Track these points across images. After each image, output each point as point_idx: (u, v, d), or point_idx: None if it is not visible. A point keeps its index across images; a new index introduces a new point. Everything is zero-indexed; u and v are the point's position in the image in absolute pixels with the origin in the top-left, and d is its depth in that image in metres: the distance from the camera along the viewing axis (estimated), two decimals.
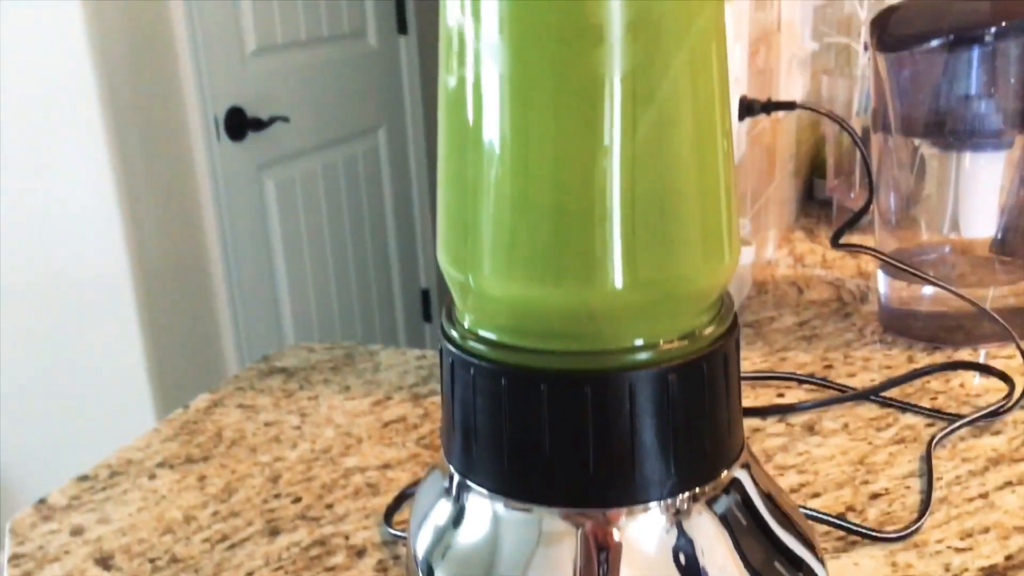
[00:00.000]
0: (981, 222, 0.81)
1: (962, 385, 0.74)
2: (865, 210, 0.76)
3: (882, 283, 0.85)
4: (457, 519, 0.33)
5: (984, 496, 0.60)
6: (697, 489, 0.31)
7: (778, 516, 0.33)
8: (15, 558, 0.59)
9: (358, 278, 2.25)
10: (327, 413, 0.76)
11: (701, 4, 0.27)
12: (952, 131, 0.76)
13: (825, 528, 0.56)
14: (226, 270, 1.86)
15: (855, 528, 0.55)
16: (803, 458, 0.65)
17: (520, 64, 0.27)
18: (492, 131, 0.28)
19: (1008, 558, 0.53)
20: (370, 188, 2.28)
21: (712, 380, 0.31)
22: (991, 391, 0.73)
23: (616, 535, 0.30)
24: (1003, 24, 0.72)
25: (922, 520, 0.56)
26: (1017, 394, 0.70)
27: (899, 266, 0.78)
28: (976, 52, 0.73)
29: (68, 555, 0.59)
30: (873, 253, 0.80)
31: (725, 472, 0.33)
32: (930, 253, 0.87)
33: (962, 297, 0.75)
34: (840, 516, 0.57)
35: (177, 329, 1.78)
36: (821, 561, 0.33)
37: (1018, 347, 0.73)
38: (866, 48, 1.06)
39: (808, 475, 0.63)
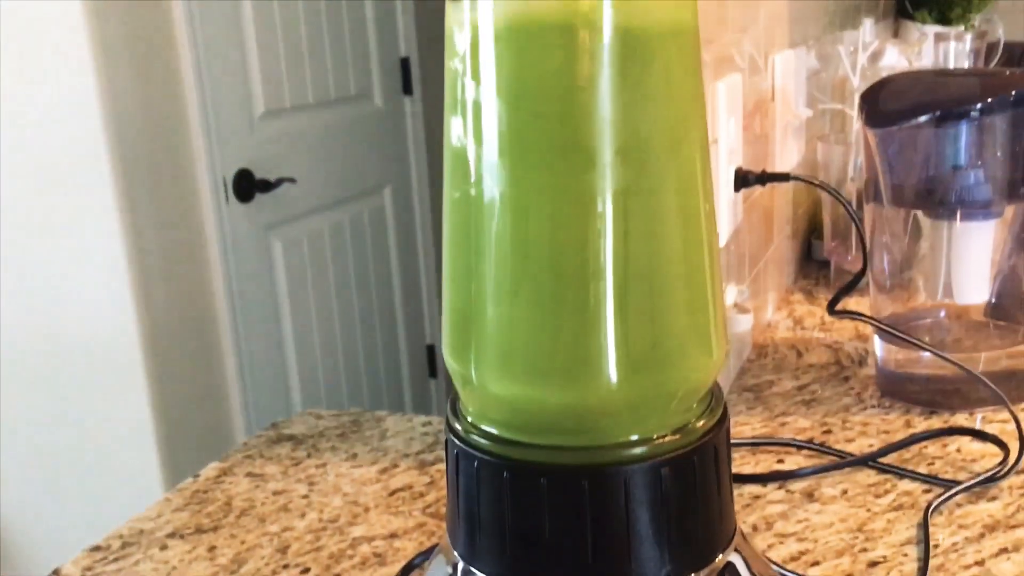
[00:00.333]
0: (974, 289, 0.83)
1: (959, 450, 0.76)
2: (859, 278, 0.78)
3: (878, 347, 0.87)
4: None
5: (980, 563, 0.61)
6: (692, 574, 0.33)
7: None
8: None
9: (364, 334, 2.27)
10: (335, 481, 0.77)
11: (687, 127, 0.29)
12: (942, 201, 0.79)
13: None
14: (233, 330, 1.89)
15: None
16: (803, 525, 0.67)
17: (518, 182, 0.29)
18: (492, 239, 0.31)
19: None
20: (376, 246, 2.31)
21: (703, 471, 0.32)
22: (987, 456, 0.74)
23: None
24: (989, 100, 0.74)
25: None
26: (1012, 460, 0.72)
27: (893, 333, 0.80)
28: (964, 127, 0.76)
29: None
30: (868, 320, 0.82)
31: (719, 556, 0.34)
32: (925, 317, 0.89)
33: (954, 363, 0.76)
34: None
35: (185, 388, 1.79)
36: None
37: (1011, 413, 0.74)
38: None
39: (808, 543, 0.64)
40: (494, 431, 0.33)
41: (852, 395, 0.87)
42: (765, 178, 0.84)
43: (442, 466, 0.79)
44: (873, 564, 0.61)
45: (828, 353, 0.98)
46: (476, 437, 0.33)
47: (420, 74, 2.39)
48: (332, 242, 2.15)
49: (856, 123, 1.12)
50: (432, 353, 2.56)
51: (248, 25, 1.87)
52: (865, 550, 0.63)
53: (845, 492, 0.70)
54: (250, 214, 1.91)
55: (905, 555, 0.62)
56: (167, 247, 1.74)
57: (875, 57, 1.26)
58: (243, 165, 1.88)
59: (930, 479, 0.71)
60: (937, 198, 0.79)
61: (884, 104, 0.78)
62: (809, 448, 0.77)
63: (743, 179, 0.83)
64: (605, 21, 0.26)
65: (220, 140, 1.81)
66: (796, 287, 1.21)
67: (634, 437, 0.31)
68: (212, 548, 0.69)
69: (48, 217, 1.69)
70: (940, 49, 1.50)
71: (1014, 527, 0.65)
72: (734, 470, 0.74)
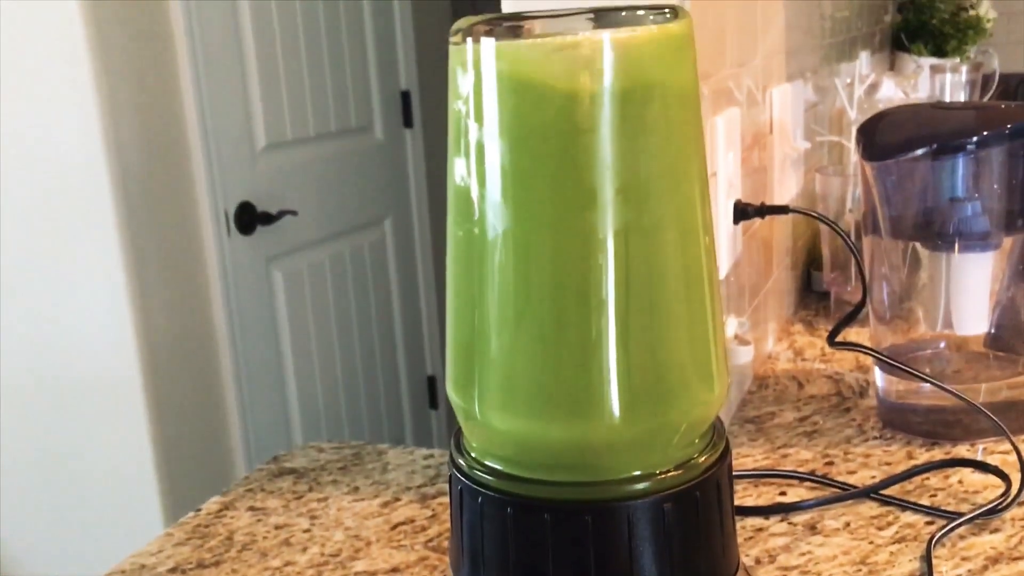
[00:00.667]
0: (974, 319, 0.83)
1: (960, 482, 0.76)
2: (859, 309, 0.79)
3: (879, 378, 0.87)
4: None
5: None
6: None
7: None
8: None
9: (364, 365, 2.27)
10: (336, 515, 0.77)
11: (686, 165, 0.30)
12: (940, 233, 0.79)
13: None
14: (234, 362, 1.89)
15: None
16: (806, 558, 0.67)
17: (520, 221, 0.29)
18: (495, 277, 0.31)
19: None
20: (376, 277, 2.32)
21: (706, 506, 0.33)
22: (989, 487, 0.74)
23: None
24: (985, 133, 0.75)
25: None
26: (1014, 491, 0.72)
27: (894, 364, 0.80)
28: (961, 159, 0.76)
29: None
30: (868, 352, 0.82)
31: None
32: (925, 348, 0.89)
33: (955, 394, 0.76)
34: None
35: (186, 421, 1.79)
36: None
37: (1012, 444, 0.74)
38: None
39: (811, 575, 0.64)
40: (498, 467, 0.33)
41: (854, 426, 0.87)
42: (764, 210, 0.84)
43: (444, 499, 0.79)
44: None
45: (829, 384, 0.98)
46: (480, 473, 0.33)
47: (421, 107, 2.41)
48: (333, 274, 2.16)
49: (854, 155, 1.13)
50: (433, 384, 2.56)
51: (250, 59, 1.88)
52: None
53: (848, 524, 0.70)
54: (251, 246, 1.92)
55: None
56: (169, 279, 1.74)
57: (872, 89, 1.27)
58: (245, 198, 1.89)
59: (932, 511, 0.71)
60: (935, 230, 0.80)
61: (881, 137, 0.79)
62: (811, 480, 0.77)
63: (742, 212, 0.84)
64: (605, 66, 0.27)
65: (222, 173, 1.82)
66: (796, 318, 1.21)
67: (637, 472, 0.32)
68: None
69: (50, 248, 1.69)
70: (936, 81, 1.51)
71: (1017, 559, 0.65)
72: (736, 502, 0.74)
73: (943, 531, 0.67)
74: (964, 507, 0.71)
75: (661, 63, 0.28)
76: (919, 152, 0.76)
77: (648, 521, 0.31)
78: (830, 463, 0.80)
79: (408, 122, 2.40)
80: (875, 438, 0.85)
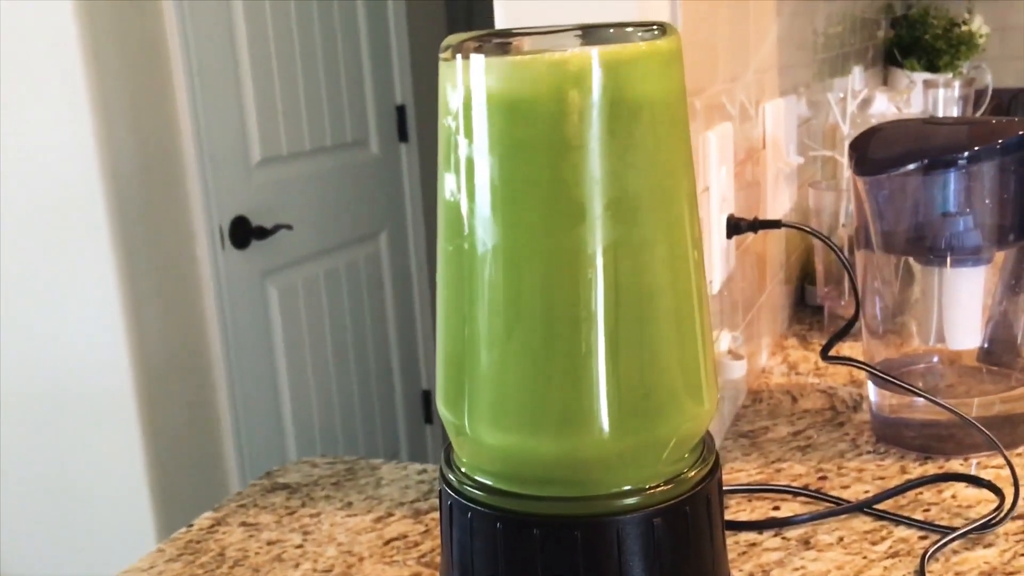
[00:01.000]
0: (966, 334, 0.83)
1: (954, 496, 0.76)
2: (852, 323, 0.79)
3: (872, 392, 0.87)
4: None
5: None
6: None
7: None
8: None
9: (359, 380, 2.27)
10: (329, 531, 0.77)
11: (675, 180, 0.30)
12: (932, 248, 0.79)
13: None
14: (229, 376, 1.88)
15: None
16: (799, 573, 0.66)
17: (510, 236, 0.30)
18: (485, 292, 0.31)
19: None
20: (372, 292, 2.32)
21: (696, 521, 0.33)
22: (983, 502, 0.74)
23: None
24: (977, 148, 0.76)
25: None
26: (1007, 506, 0.72)
27: (887, 378, 0.80)
28: (952, 174, 0.77)
29: None
30: (862, 366, 0.82)
31: None
32: (918, 362, 0.89)
33: (948, 409, 0.77)
34: None
35: (179, 435, 1.79)
36: None
37: (1005, 458, 0.74)
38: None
39: None
40: (488, 482, 0.33)
41: (847, 441, 0.87)
42: (757, 225, 0.85)
43: (437, 515, 0.79)
44: None
45: (823, 398, 0.98)
46: (470, 488, 0.33)
47: (416, 122, 2.42)
48: (328, 288, 2.16)
49: (847, 170, 1.13)
50: (428, 399, 2.55)
51: (245, 73, 1.89)
52: None
53: (841, 539, 0.70)
54: (246, 260, 1.92)
55: None
56: (163, 293, 1.74)
57: (864, 104, 1.28)
58: (240, 212, 1.89)
59: (926, 525, 0.71)
60: (927, 244, 0.80)
61: (874, 152, 0.79)
62: (805, 495, 0.77)
63: (735, 226, 0.84)
64: (594, 82, 0.27)
65: (217, 187, 1.82)
66: (790, 332, 1.21)
67: (626, 487, 0.32)
68: None
69: (44, 262, 1.69)
70: (929, 96, 1.52)
71: (1011, 574, 0.65)
72: (730, 517, 0.74)
73: (937, 546, 0.67)
74: (958, 522, 0.71)
75: (649, 79, 0.28)
76: (911, 167, 0.77)
77: (638, 536, 0.31)
78: (824, 478, 0.80)
79: (403, 136, 2.41)
80: (869, 452, 0.85)
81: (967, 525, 0.70)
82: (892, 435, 0.85)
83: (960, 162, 0.76)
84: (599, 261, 0.29)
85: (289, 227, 1.99)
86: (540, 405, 0.31)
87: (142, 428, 1.69)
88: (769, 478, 0.81)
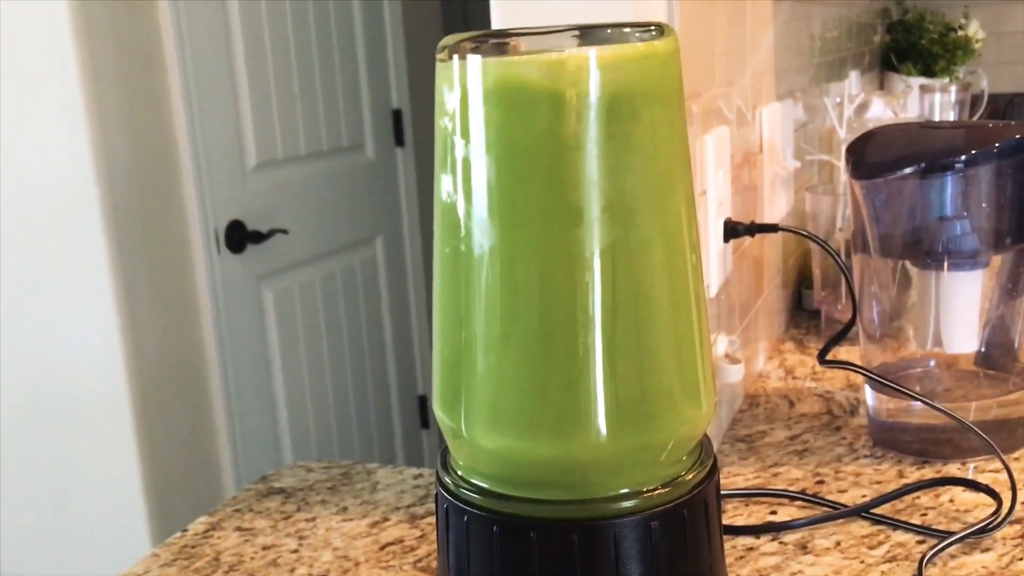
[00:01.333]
0: (963, 338, 0.83)
1: (951, 500, 0.75)
2: (849, 327, 0.79)
3: (869, 397, 0.87)
4: None
5: None
6: None
7: None
8: None
9: (355, 385, 2.26)
10: (325, 535, 0.77)
11: (672, 182, 0.30)
12: (929, 252, 0.79)
13: None
14: (224, 381, 1.88)
15: None
16: None
17: (506, 238, 0.29)
18: (482, 294, 0.31)
19: None
20: (367, 296, 2.31)
21: (694, 524, 0.32)
22: (980, 506, 0.74)
23: None
24: (973, 152, 0.75)
25: None
26: (1004, 510, 0.71)
27: (884, 382, 0.80)
28: (949, 178, 0.76)
29: None
30: (859, 370, 0.82)
31: None
32: (915, 366, 0.89)
33: (945, 413, 0.76)
34: None
35: (174, 440, 1.78)
36: None
37: (1003, 462, 0.74)
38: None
39: None
40: (484, 485, 0.33)
41: (844, 445, 0.87)
42: (754, 229, 0.84)
43: (433, 520, 0.79)
44: None
45: (820, 403, 0.98)
46: (466, 491, 0.33)
47: (412, 126, 2.42)
48: (324, 293, 2.16)
49: (843, 174, 1.13)
50: (424, 404, 2.55)
51: (241, 77, 1.89)
52: None
53: (839, 544, 0.70)
54: (242, 265, 1.91)
55: None
56: (158, 297, 1.74)
57: (861, 109, 1.28)
58: (235, 216, 1.88)
59: (923, 530, 0.71)
60: (924, 248, 0.80)
61: (870, 156, 0.79)
62: (802, 499, 0.77)
63: (732, 230, 0.84)
64: (591, 83, 0.27)
65: (212, 191, 1.82)
66: (787, 337, 1.21)
67: (624, 490, 0.31)
68: None
69: (39, 267, 1.69)
70: (925, 101, 1.52)
71: None
72: (727, 521, 0.73)
73: (934, 550, 0.67)
74: (955, 526, 0.71)
75: (647, 80, 0.28)
76: (908, 171, 0.76)
77: (635, 539, 0.31)
78: (821, 482, 0.80)
79: (400, 141, 2.40)
80: (866, 457, 0.85)
81: (965, 529, 0.69)
82: (889, 439, 0.85)
83: (957, 166, 0.76)
84: (596, 263, 0.29)
85: (285, 231, 1.99)
86: (537, 408, 0.31)
87: (137, 432, 1.69)
88: (766, 482, 0.81)
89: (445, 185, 0.31)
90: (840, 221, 1.12)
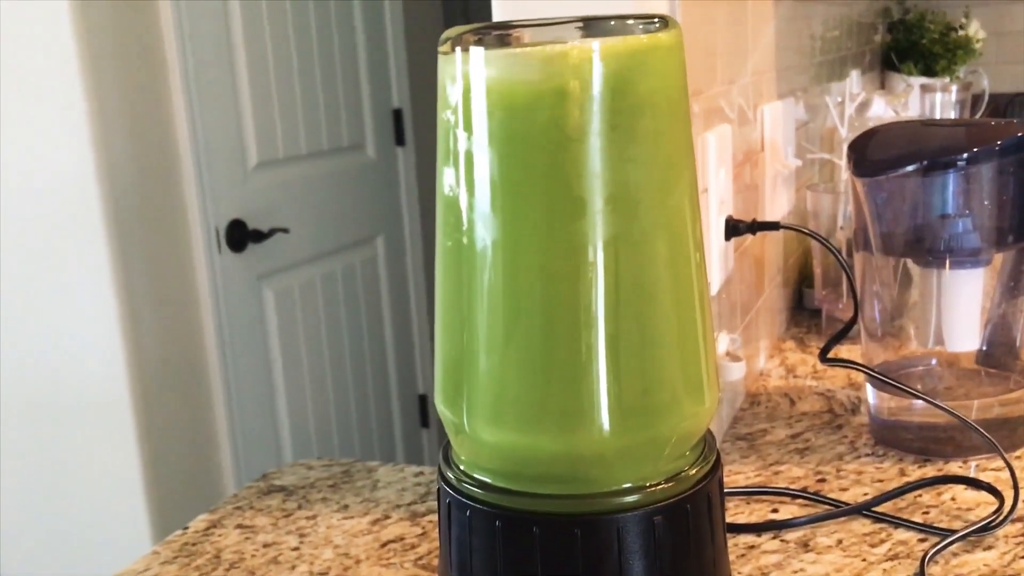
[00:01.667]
0: (965, 336, 0.83)
1: (953, 499, 0.75)
2: (850, 326, 0.78)
3: (871, 395, 0.87)
4: None
5: None
6: None
7: None
8: None
9: (356, 384, 2.26)
10: (325, 533, 0.77)
11: (676, 176, 0.30)
12: (931, 250, 0.79)
13: None
14: (224, 380, 1.88)
15: None
16: None
17: (509, 230, 0.29)
18: (484, 287, 0.31)
19: None
20: (368, 296, 2.31)
21: (697, 519, 0.32)
22: (982, 504, 0.74)
23: None
24: (975, 150, 0.75)
25: None
26: (1006, 508, 0.71)
27: (886, 380, 0.80)
28: (951, 176, 0.76)
29: None
30: (860, 368, 0.82)
31: None
32: (917, 365, 0.89)
33: (947, 411, 0.76)
34: None
35: (175, 438, 1.78)
36: None
37: (1005, 460, 0.74)
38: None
39: None
40: (486, 479, 0.33)
41: (846, 443, 0.87)
42: (755, 227, 0.84)
43: (434, 517, 0.78)
44: None
45: (821, 401, 0.98)
46: (468, 486, 0.33)
47: (413, 125, 2.41)
48: (324, 292, 2.15)
49: (845, 173, 1.13)
50: (424, 403, 2.55)
51: (242, 77, 1.88)
52: None
53: (840, 542, 0.70)
54: (242, 264, 1.91)
55: None
56: (159, 296, 1.73)
57: (862, 108, 1.28)
58: (236, 215, 1.88)
59: (925, 528, 0.71)
60: (926, 246, 0.80)
61: (872, 154, 0.79)
62: (804, 497, 0.77)
63: (734, 228, 0.84)
64: (594, 75, 0.27)
65: (213, 190, 1.82)
66: (788, 335, 1.21)
67: (627, 485, 0.31)
68: None
69: (40, 266, 1.69)
70: (926, 100, 1.52)
71: None
72: (728, 519, 0.73)
73: (936, 548, 0.67)
74: (957, 524, 0.71)
75: (650, 72, 0.28)
76: (909, 168, 0.76)
77: (638, 534, 0.31)
78: (822, 480, 0.80)
79: (400, 140, 2.40)
80: (867, 455, 0.84)
81: (967, 527, 0.69)
82: (891, 438, 0.85)
83: (959, 164, 0.76)
84: (599, 255, 0.29)
85: (285, 231, 1.99)
86: (540, 402, 0.31)
87: (138, 430, 1.69)
88: (767, 481, 0.81)
89: (447, 178, 0.30)
90: (841, 220, 1.12)
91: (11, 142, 1.64)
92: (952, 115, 1.54)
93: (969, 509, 0.73)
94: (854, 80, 1.53)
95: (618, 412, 0.31)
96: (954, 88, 1.54)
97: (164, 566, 0.73)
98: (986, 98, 1.93)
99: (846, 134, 1.21)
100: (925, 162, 0.76)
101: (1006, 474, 0.76)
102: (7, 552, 1.86)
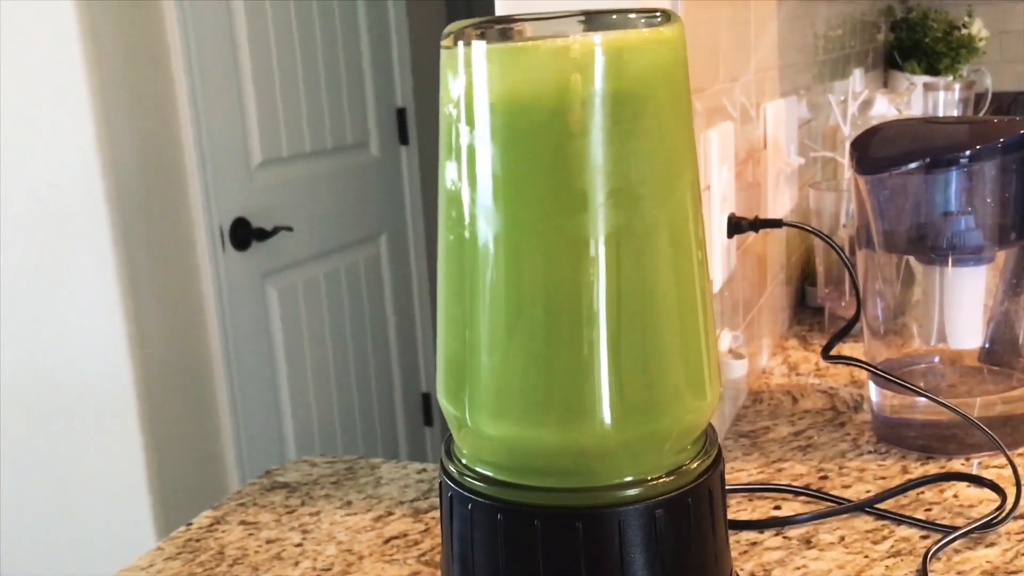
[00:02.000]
0: (968, 334, 0.83)
1: (956, 496, 0.75)
2: (853, 323, 0.78)
3: (873, 392, 0.87)
4: None
5: None
6: None
7: None
8: None
9: (359, 382, 2.26)
10: (329, 529, 0.77)
11: (678, 170, 0.30)
12: (933, 247, 0.79)
13: None
14: (228, 378, 1.88)
15: None
16: (800, 572, 0.66)
17: (511, 225, 0.29)
18: (486, 281, 0.31)
19: None
20: (371, 294, 2.32)
21: (698, 513, 0.32)
22: (984, 501, 0.74)
23: None
24: (978, 147, 0.75)
25: None
26: (1009, 505, 0.71)
27: (888, 377, 0.80)
28: (953, 174, 0.76)
29: None
30: (863, 365, 0.82)
31: None
32: (919, 362, 0.89)
33: (950, 408, 0.76)
34: None
35: (179, 435, 1.78)
36: None
37: (1007, 458, 0.74)
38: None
39: None
40: (488, 473, 0.33)
41: (848, 440, 0.87)
42: (758, 225, 0.84)
43: (437, 513, 0.79)
44: None
45: (823, 399, 0.98)
46: (470, 479, 0.33)
47: (416, 124, 2.42)
48: (328, 290, 2.16)
49: (847, 170, 1.13)
50: (428, 401, 2.55)
51: (246, 75, 1.89)
52: None
53: (843, 538, 0.70)
54: (246, 262, 1.91)
55: None
56: (163, 295, 1.74)
57: (865, 106, 1.28)
58: (240, 214, 1.89)
59: (928, 525, 0.71)
60: (928, 244, 0.80)
61: (875, 151, 0.79)
62: (806, 494, 0.77)
63: (736, 225, 0.84)
64: (597, 68, 0.27)
65: (217, 189, 1.82)
66: (790, 333, 1.21)
67: (628, 478, 0.31)
68: None
69: (45, 264, 1.69)
70: (929, 99, 1.52)
71: (1013, 573, 0.64)
72: (731, 516, 0.73)
73: (939, 545, 0.67)
74: (959, 521, 0.71)
75: (652, 66, 0.28)
76: (912, 166, 0.76)
77: (639, 528, 0.31)
78: (825, 477, 0.80)
79: (404, 139, 2.41)
80: (870, 452, 0.84)
81: (969, 524, 0.69)
82: (893, 435, 0.85)
83: (962, 161, 0.76)
84: (601, 250, 0.29)
85: (289, 229, 1.99)
86: (542, 396, 0.31)
87: (142, 428, 1.69)
88: (770, 478, 0.81)
89: (450, 173, 0.31)
90: (844, 218, 1.12)
91: (16, 141, 1.65)
92: (955, 113, 1.54)
93: (971, 506, 0.74)
94: (857, 78, 1.53)
95: (620, 406, 0.31)
96: (957, 87, 1.54)
97: (168, 562, 0.73)
98: (989, 97, 1.93)
99: (849, 132, 1.21)
100: (928, 160, 0.76)
101: (1008, 471, 0.76)
102: (11, 549, 1.86)
